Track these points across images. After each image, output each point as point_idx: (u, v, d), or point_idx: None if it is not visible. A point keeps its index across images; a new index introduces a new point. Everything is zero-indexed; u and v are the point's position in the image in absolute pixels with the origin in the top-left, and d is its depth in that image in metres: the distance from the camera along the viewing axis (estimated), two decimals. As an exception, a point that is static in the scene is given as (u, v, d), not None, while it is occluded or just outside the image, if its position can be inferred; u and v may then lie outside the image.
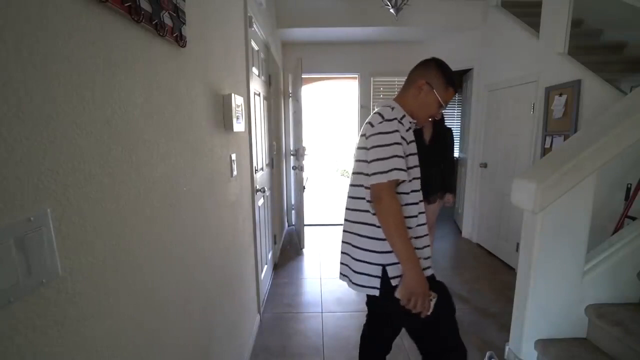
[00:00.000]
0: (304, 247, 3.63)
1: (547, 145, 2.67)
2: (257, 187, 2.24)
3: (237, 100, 1.50)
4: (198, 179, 1.13)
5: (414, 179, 1.11)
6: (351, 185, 1.20)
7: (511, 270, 3.01)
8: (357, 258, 1.14)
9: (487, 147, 3.57)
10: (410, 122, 1.12)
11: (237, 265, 1.69)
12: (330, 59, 4.17)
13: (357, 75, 4.25)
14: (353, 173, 1.20)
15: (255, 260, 2.13)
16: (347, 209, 1.22)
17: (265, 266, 2.67)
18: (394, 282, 1.07)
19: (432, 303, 1.06)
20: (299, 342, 2.06)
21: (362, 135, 1.14)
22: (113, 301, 0.65)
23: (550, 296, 1.55)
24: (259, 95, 2.47)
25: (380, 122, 1.06)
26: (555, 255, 1.53)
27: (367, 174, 1.08)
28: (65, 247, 0.52)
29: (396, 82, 4.23)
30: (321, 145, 8.54)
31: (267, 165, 2.81)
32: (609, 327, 1.47)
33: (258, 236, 2.23)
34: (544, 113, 2.72)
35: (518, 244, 1.67)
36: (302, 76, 3.49)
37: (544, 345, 1.56)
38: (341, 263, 1.25)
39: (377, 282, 1.09)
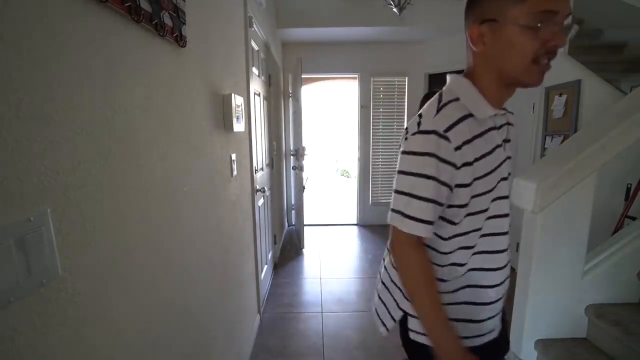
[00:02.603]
0: (303, 247, 3.63)
1: (547, 145, 2.67)
2: (257, 187, 2.24)
3: (237, 100, 1.50)
4: (198, 179, 1.13)
5: (474, 213, 0.71)
6: None
7: (511, 270, 3.00)
8: (384, 283, 0.88)
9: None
10: (494, 115, 0.70)
11: (237, 265, 1.69)
12: (330, 59, 4.17)
13: (357, 75, 4.24)
14: None
15: (255, 260, 2.13)
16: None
17: (265, 266, 2.67)
18: (412, 336, 0.80)
19: None
20: (299, 342, 2.06)
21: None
22: (113, 301, 0.65)
23: (550, 296, 1.55)
24: (259, 95, 2.47)
25: (414, 134, 0.68)
26: (555, 255, 1.52)
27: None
28: (65, 247, 0.52)
29: (396, 82, 4.23)
30: (321, 146, 8.54)
31: (267, 165, 2.81)
32: (608, 327, 1.47)
33: (258, 236, 2.23)
34: (543, 113, 2.72)
35: (518, 244, 1.67)
36: (302, 76, 3.49)
37: (544, 345, 1.56)
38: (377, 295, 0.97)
39: (390, 323, 0.86)
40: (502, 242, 0.76)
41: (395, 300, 0.84)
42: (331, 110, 8.16)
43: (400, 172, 0.70)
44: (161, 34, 0.83)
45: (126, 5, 0.67)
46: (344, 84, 6.80)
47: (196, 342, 1.10)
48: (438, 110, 0.68)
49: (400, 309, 0.82)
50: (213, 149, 1.29)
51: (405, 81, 4.21)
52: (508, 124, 0.77)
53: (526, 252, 1.58)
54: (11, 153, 0.43)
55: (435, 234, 0.74)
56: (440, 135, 0.65)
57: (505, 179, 0.74)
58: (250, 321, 2.00)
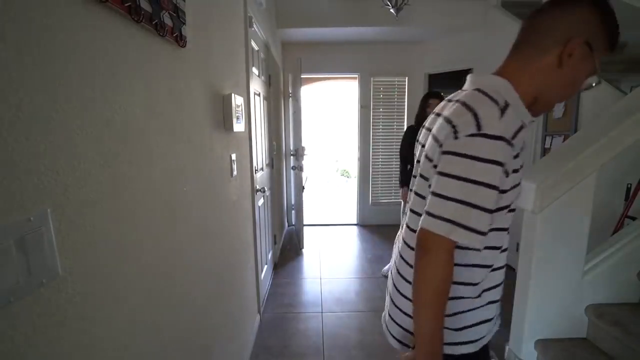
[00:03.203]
0: (303, 247, 3.63)
1: (547, 145, 2.67)
2: (257, 187, 2.24)
3: (237, 100, 1.50)
4: (198, 179, 1.13)
5: (503, 212, 0.69)
6: (410, 210, 0.80)
7: (511, 270, 3.00)
8: (401, 308, 0.81)
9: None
10: (530, 123, 0.69)
11: (237, 265, 1.69)
12: (330, 59, 4.17)
13: (357, 75, 4.24)
14: (412, 191, 0.80)
15: (255, 260, 2.13)
16: (403, 239, 0.82)
17: (265, 266, 2.67)
18: (448, 350, 0.75)
19: None
20: (299, 342, 2.06)
21: (433, 138, 0.70)
22: (113, 301, 0.65)
23: (550, 296, 1.55)
24: (259, 95, 2.47)
25: (473, 136, 0.61)
26: (555, 255, 1.53)
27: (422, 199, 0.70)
28: (65, 247, 0.52)
29: (396, 82, 4.23)
30: (321, 146, 8.54)
31: (267, 165, 2.81)
32: (608, 327, 1.47)
33: (258, 236, 2.23)
34: (543, 113, 2.72)
35: (518, 244, 1.67)
36: (302, 76, 3.49)
37: (544, 345, 1.56)
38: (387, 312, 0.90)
39: (410, 341, 0.79)
40: (507, 240, 0.77)
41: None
42: (331, 110, 8.16)
43: (448, 175, 0.63)
44: (161, 34, 0.83)
45: (126, 5, 0.67)
46: (344, 84, 6.80)
47: (196, 342, 1.10)
48: (502, 108, 0.62)
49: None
50: (213, 149, 1.29)
51: (405, 81, 4.22)
52: None
53: (526, 252, 1.58)
54: (11, 153, 0.43)
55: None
56: (508, 142, 0.61)
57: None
58: (250, 321, 2.00)
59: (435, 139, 0.69)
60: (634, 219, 1.92)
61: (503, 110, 0.62)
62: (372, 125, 4.30)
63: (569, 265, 1.54)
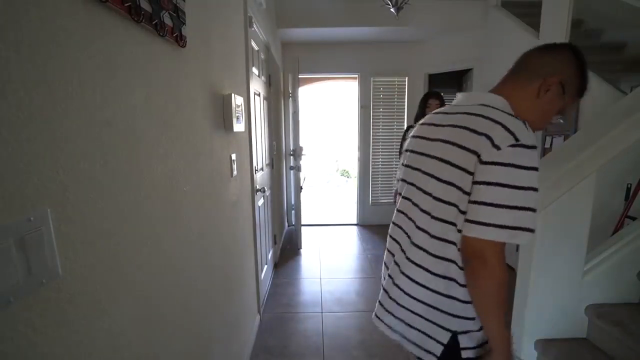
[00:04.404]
0: (301, 247, 3.63)
1: (547, 145, 2.67)
2: (257, 187, 2.24)
3: (237, 100, 1.50)
4: (198, 179, 1.13)
5: None
6: (423, 211, 0.82)
7: (511, 270, 3.00)
8: (414, 310, 0.84)
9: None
10: None
11: (237, 265, 1.69)
12: (330, 59, 4.17)
13: (357, 75, 4.24)
14: (428, 194, 0.80)
15: (255, 260, 2.13)
16: (412, 243, 0.84)
17: (265, 266, 2.67)
18: (465, 354, 0.81)
19: None
20: (299, 342, 2.06)
21: (458, 146, 0.75)
22: (113, 301, 0.65)
23: (550, 296, 1.55)
24: (259, 95, 2.47)
25: (514, 146, 0.68)
26: (555, 255, 1.52)
27: (460, 211, 0.73)
28: (65, 247, 0.52)
29: (396, 82, 4.23)
30: (322, 146, 8.54)
31: (267, 165, 2.81)
32: (608, 327, 1.47)
33: (258, 236, 2.23)
34: None
35: (518, 244, 1.67)
36: (303, 76, 3.51)
37: (544, 345, 1.56)
38: (380, 302, 0.95)
39: (437, 348, 0.82)
40: None
41: (437, 324, 0.81)
42: (331, 110, 8.16)
43: (501, 184, 0.68)
44: (161, 34, 0.83)
45: (126, 5, 0.67)
46: (344, 84, 6.80)
47: (196, 342, 1.10)
48: (525, 125, 0.72)
49: (447, 330, 0.80)
50: (213, 149, 1.29)
51: (405, 81, 4.22)
52: None
53: (526, 252, 1.58)
54: (11, 153, 0.43)
55: None
56: (536, 149, 0.71)
57: None
58: (250, 321, 2.00)
59: (462, 147, 0.74)
60: (634, 219, 1.92)
61: (524, 123, 0.72)
62: (372, 125, 4.29)
63: (569, 265, 1.54)
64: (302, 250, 3.60)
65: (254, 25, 2.14)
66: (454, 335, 0.80)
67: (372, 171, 4.39)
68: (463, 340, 0.80)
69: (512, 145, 0.68)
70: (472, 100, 0.82)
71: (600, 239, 1.71)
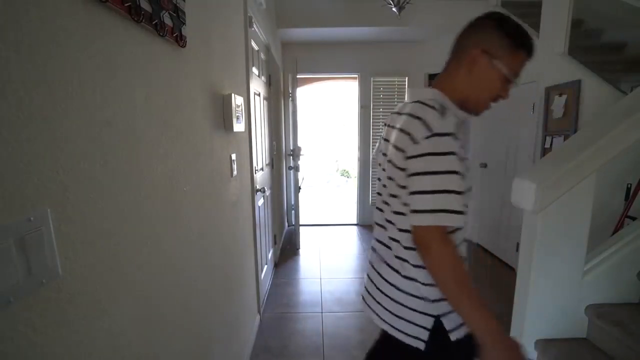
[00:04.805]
0: (299, 248, 3.63)
1: (547, 145, 2.67)
2: (257, 187, 2.24)
3: (237, 100, 1.50)
4: (198, 179, 1.13)
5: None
6: (385, 203, 0.87)
7: (511, 270, 3.01)
8: (394, 298, 0.85)
9: (487, 148, 3.57)
10: (464, 120, 0.82)
11: (237, 265, 1.69)
12: (331, 59, 4.17)
13: (357, 75, 4.25)
14: (390, 194, 0.85)
15: (255, 260, 2.13)
16: (388, 236, 0.88)
17: (265, 266, 2.67)
18: (454, 336, 0.80)
19: None
20: (299, 342, 2.06)
21: (395, 148, 0.81)
22: (113, 301, 0.65)
23: (550, 296, 1.55)
24: (259, 95, 2.47)
25: (428, 137, 0.72)
26: (555, 255, 1.52)
27: (403, 203, 0.79)
28: (65, 247, 0.52)
29: (396, 82, 4.23)
30: (322, 145, 8.54)
31: (267, 165, 2.81)
32: (608, 327, 1.47)
33: (258, 236, 2.23)
34: (544, 113, 2.72)
35: (518, 244, 1.67)
36: (304, 76, 3.51)
37: (544, 345, 1.56)
38: (366, 289, 0.98)
39: (423, 334, 0.81)
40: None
41: (416, 310, 0.82)
42: (331, 110, 8.16)
43: (419, 173, 0.73)
44: (161, 34, 0.83)
45: (126, 5, 0.67)
46: (344, 84, 6.80)
47: (196, 342, 1.10)
48: (441, 112, 0.75)
49: (430, 315, 0.80)
50: (213, 149, 1.29)
51: (405, 81, 4.22)
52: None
53: (526, 252, 1.58)
54: (11, 153, 0.43)
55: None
56: (454, 137, 0.73)
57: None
58: (250, 321, 2.00)
59: (398, 148, 0.80)
60: (634, 219, 1.92)
61: (442, 112, 0.75)
62: (372, 125, 4.30)
63: (569, 265, 1.54)
64: (302, 250, 3.60)
65: (254, 25, 2.15)
66: (437, 319, 0.80)
67: (372, 171, 4.39)
68: (448, 322, 0.80)
69: (427, 137, 0.73)
70: (411, 98, 0.86)
71: (600, 239, 1.71)
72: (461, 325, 0.81)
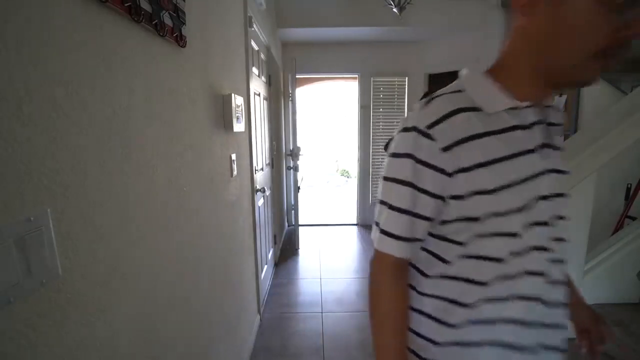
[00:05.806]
0: (298, 248, 3.62)
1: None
2: (257, 187, 2.24)
3: (237, 100, 1.50)
4: (198, 179, 1.13)
5: (489, 235, 0.52)
6: None
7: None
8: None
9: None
10: (515, 109, 0.53)
11: (237, 265, 1.69)
12: (330, 59, 4.17)
13: (357, 75, 4.24)
14: None
15: (255, 260, 2.13)
16: None
17: (265, 266, 2.67)
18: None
19: None
20: (299, 342, 2.06)
21: None
22: (113, 301, 0.65)
23: (550, 296, 1.55)
24: (259, 95, 2.47)
25: (398, 132, 0.55)
26: (555, 255, 1.52)
27: None
28: (65, 247, 0.52)
29: (396, 82, 4.23)
30: (322, 145, 8.54)
31: (267, 165, 2.81)
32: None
33: (258, 236, 2.23)
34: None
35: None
36: (304, 76, 3.50)
37: (544, 345, 1.56)
38: None
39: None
40: (538, 287, 0.55)
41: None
42: (331, 110, 8.16)
43: (383, 177, 0.58)
44: (161, 34, 0.83)
45: (126, 5, 0.67)
46: (344, 84, 6.80)
47: (196, 342, 1.10)
48: (427, 103, 0.54)
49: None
50: (213, 149, 1.29)
51: (405, 81, 4.21)
52: (550, 123, 0.60)
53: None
54: (11, 153, 0.43)
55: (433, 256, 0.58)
56: (420, 132, 0.51)
57: (545, 197, 0.54)
58: (250, 321, 2.00)
59: None
60: (634, 219, 1.92)
61: (430, 100, 0.54)
62: (372, 125, 4.29)
63: (569, 265, 1.54)
64: (302, 251, 3.60)
65: (254, 26, 2.14)
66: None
67: (372, 171, 4.39)
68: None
69: (398, 132, 0.56)
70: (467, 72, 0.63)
71: (600, 239, 1.71)
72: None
